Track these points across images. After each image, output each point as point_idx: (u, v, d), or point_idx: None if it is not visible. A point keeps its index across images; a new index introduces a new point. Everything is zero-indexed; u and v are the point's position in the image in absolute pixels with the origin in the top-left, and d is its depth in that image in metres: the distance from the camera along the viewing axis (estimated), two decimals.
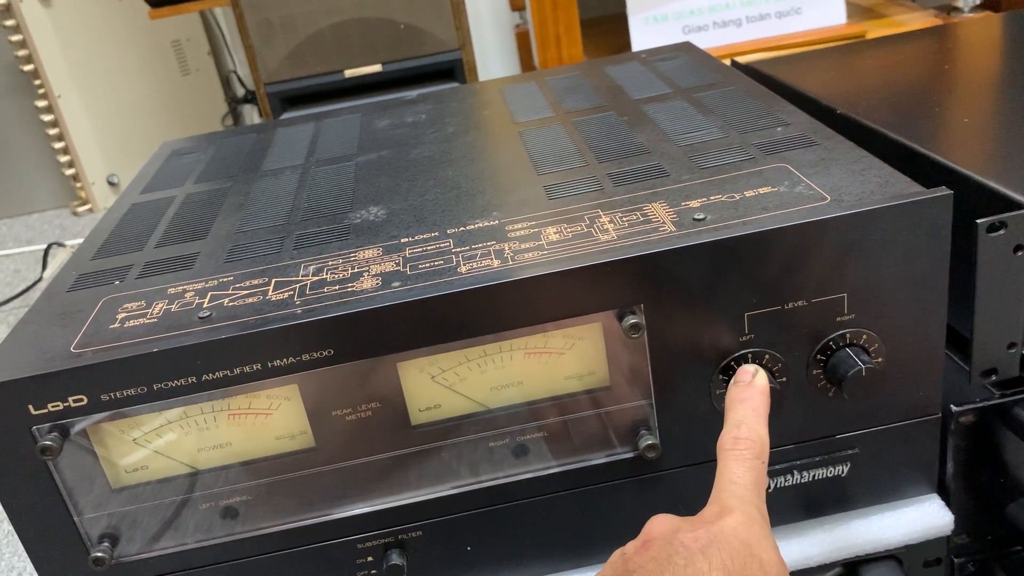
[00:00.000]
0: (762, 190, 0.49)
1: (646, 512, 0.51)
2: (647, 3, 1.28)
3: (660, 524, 0.40)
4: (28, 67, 1.89)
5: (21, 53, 1.88)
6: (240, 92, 2.36)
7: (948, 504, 0.52)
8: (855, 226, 0.45)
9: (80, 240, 1.78)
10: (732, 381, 0.46)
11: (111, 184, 2.04)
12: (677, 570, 0.36)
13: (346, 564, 0.50)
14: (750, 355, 0.47)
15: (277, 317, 0.45)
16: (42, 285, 1.59)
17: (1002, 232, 0.45)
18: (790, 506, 0.52)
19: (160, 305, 0.49)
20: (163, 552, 0.49)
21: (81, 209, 2.02)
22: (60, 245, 1.72)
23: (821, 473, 0.51)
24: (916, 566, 0.53)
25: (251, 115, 2.37)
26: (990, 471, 0.52)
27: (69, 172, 2.00)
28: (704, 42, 1.29)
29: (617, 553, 0.40)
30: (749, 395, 0.44)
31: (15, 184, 2.07)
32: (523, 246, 0.48)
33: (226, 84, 2.38)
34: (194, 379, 0.44)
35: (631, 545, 0.40)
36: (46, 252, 1.63)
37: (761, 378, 0.45)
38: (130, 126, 2.08)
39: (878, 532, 0.52)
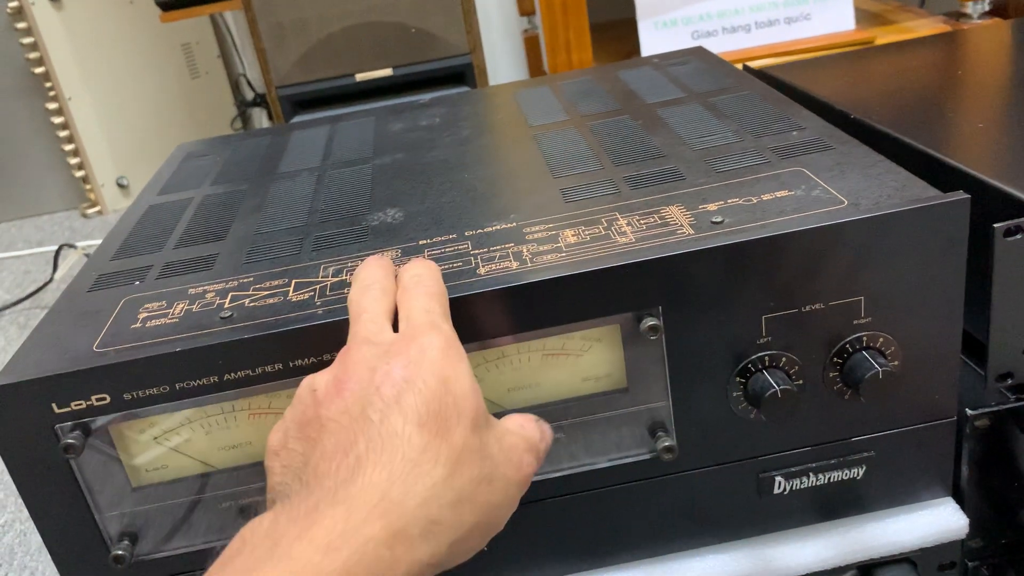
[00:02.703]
0: (779, 194, 0.49)
1: (661, 513, 0.51)
2: (656, 8, 1.28)
3: (356, 355, 0.37)
4: (39, 69, 1.90)
5: (32, 56, 1.89)
6: (249, 95, 2.37)
7: (963, 508, 0.52)
8: (872, 230, 0.45)
9: (90, 242, 1.79)
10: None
11: (121, 186, 2.04)
12: (371, 429, 0.35)
13: None
14: (767, 357, 0.47)
15: (298, 318, 0.45)
16: (52, 286, 1.60)
17: (1019, 236, 0.45)
18: (805, 508, 0.52)
19: (181, 305, 0.49)
20: (182, 551, 0.49)
21: (91, 211, 2.03)
22: (71, 247, 1.73)
23: (836, 476, 0.51)
24: (931, 569, 0.54)
25: (260, 118, 2.38)
26: (1005, 475, 0.52)
27: (79, 174, 2.00)
28: (713, 47, 1.28)
29: (307, 388, 0.38)
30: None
31: (25, 186, 2.08)
32: (541, 248, 0.48)
33: (235, 87, 2.39)
34: (216, 379, 0.45)
35: (322, 380, 0.38)
36: (57, 253, 1.64)
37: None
38: (140, 129, 2.09)
39: (893, 535, 0.52)
